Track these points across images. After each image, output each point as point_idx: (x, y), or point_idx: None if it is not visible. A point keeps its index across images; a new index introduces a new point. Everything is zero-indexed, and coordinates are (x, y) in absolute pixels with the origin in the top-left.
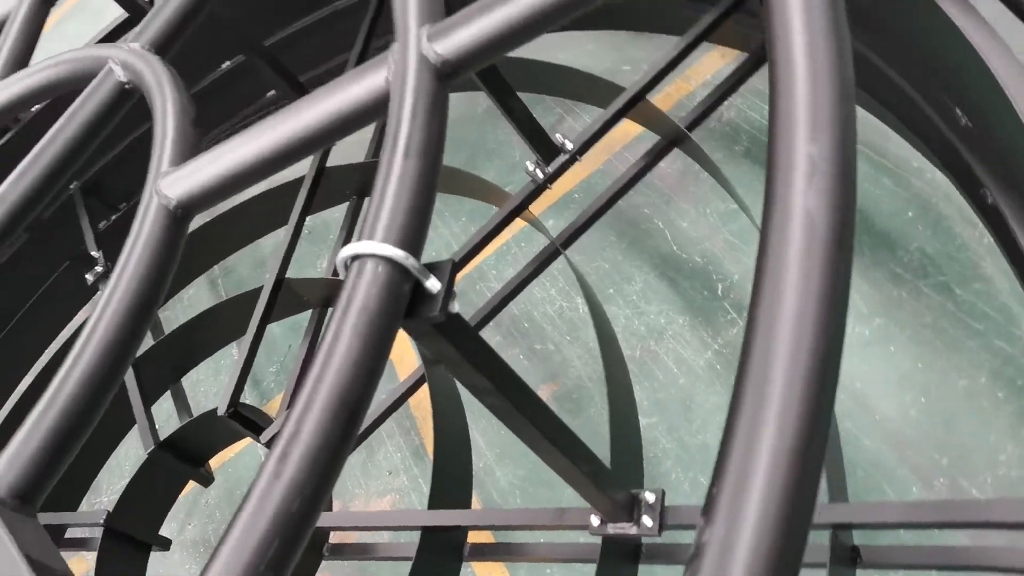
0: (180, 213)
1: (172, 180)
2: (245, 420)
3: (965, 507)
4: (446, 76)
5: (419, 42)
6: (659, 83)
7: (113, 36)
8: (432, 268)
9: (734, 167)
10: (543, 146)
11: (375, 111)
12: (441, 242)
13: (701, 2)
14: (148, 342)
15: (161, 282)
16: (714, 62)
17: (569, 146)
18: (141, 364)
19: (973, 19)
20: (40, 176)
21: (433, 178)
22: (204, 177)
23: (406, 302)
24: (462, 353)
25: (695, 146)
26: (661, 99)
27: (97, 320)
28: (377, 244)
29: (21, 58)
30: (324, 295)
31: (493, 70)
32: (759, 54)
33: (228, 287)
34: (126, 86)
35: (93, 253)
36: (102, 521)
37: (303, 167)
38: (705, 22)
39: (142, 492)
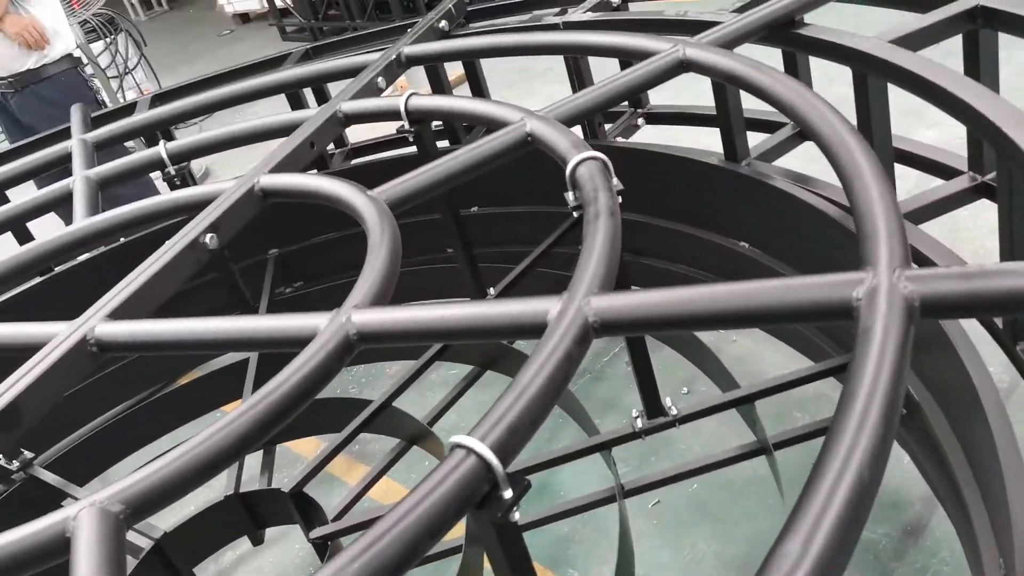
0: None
1: None
2: (303, 507)
3: None
4: None
5: None
6: None
7: None
8: (511, 479)
9: None
10: (652, 405)
11: None
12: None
13: None
14: None
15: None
16: None
17: (674, 412)
18: None
19: None
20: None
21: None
22: None
23: (481, 495)
24: (505, 553)
25: None
26: None
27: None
28: (482, 445)
29: None
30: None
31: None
32: None
33: None
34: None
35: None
36: (157, 537)
37: None
38: None
39: (202, 527)
